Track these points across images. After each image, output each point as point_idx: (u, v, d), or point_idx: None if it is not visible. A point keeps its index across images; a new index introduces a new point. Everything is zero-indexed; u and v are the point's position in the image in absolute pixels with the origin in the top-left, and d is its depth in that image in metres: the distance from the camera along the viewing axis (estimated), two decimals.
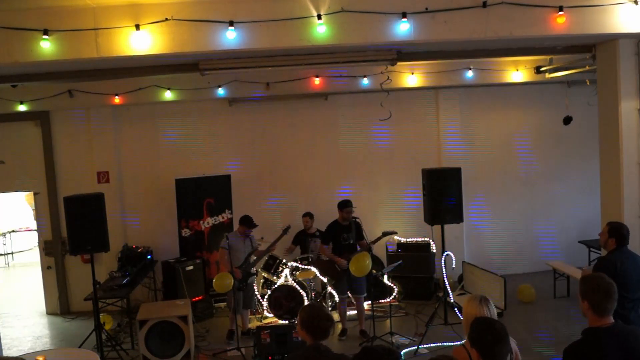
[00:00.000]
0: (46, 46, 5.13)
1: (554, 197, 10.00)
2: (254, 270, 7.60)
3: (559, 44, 6.42)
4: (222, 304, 8.82)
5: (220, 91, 8.61)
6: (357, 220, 7.35)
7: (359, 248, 7.35)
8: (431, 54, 6.62)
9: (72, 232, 6.58)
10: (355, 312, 7.87)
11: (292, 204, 9.41)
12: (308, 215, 8.86)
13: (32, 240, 14.34)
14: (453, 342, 6.65)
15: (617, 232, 4.62)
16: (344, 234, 7.32)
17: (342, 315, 7.55)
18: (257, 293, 8.48)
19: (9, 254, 14.45)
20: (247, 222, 7.47)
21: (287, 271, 8.21)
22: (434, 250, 8.84)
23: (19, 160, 9.04)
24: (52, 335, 8.27)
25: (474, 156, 9.72)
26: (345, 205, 7.30)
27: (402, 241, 9.05)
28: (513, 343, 3.14)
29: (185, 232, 8.81)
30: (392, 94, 8.27)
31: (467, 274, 8.83)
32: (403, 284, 8.63)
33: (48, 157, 9.08)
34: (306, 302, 7.85)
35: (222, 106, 9.37)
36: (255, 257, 7.59)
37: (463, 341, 3.46)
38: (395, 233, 7.44)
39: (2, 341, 7.14)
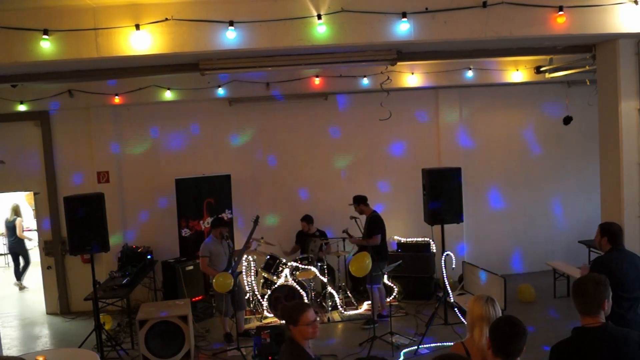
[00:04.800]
0: (46, 46, 5.13)
1: (554, 197, 10.00)
2: (238, 270, 7.55)
3: (559, 44, 6.42)
4: None
5: (220, 91, 8.61)
6: (357, 219, 7.39)
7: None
8: (431, 54, 6.63)
9: (72, 232, 6.58)
10: (355, 312, 8.00)
11: (292, 204, 9.41)
12: (305, 220, 8.83)
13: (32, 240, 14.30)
14: (453, 342, 6.64)
15: (607, 230, 4.62)
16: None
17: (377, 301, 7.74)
18: (257, 292, 8.50)
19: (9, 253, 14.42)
20: (220, 222, 7.47)
21: (287, 271, 8.21)
22: (434, 250, 8.85)
23: (19, 160, 9.04)
24: (52, 335, 8.27)
25: (474, 156, 9.72)
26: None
27: (402, 241, 9.06)
28: None
29: (185, 232, 8.81)
30: (392, 93, 8.27)
31: (467, 274, 8.83)
32: (403, 284, 8.63)
33: (48, 157, 9.07)
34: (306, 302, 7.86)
35: (222, 106, 9.38)
36: (237, 257, 7.54)
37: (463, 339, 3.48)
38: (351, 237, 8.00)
39: (2, 341, 7.14)
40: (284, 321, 3.57)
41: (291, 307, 3.65)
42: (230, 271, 7.10)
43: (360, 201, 7.84)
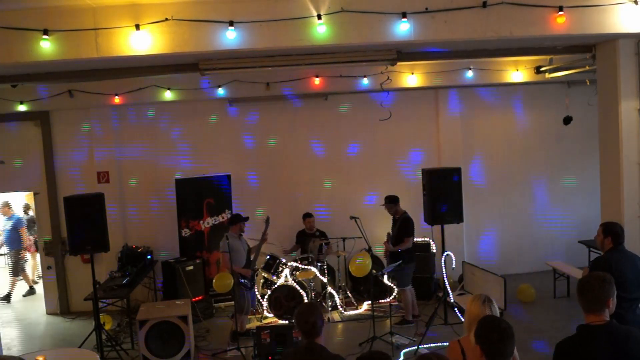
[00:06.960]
0: (46, 46, 5.13)
1: (554, 197, 10.00)
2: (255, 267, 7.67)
3: (559, 44, 6.42)
4: (222, 304, 8.83)
5: (220, 91, 8.61)
6: (357, 219, 7.38)
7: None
8: (431, 54, 6.62)
9: (72, 232, 6.58)
10: (354, 312, 7.96)
11: (292, 204, 9.41)
12: (309, 217, 8.86)
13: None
14: None
15: (611, 230, 4.63)
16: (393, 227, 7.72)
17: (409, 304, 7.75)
18: (257, 292, 8.50)
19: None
20: (239, 217, 7.53)
21: (287, 271, 8.20)
22: (434, 250, 8.85)
23: (19, 160, 9.04)
24: (52, 335, 8.27)
25: (474, 156, 9.72)
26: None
27: None
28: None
29: (185, 232, 8.81)
30: (392, 93, 8.26)
31: (467, 274, 8.83)
32: None
33: (48, 157, 9.07)
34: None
35: (222, 106, 9.38)
36: (253, 254, 7.63)
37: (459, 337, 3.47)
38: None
39: (2, 341, 7.14)
40: (306, 331, 3.30)
41: (314, 314, 3.37)
42: (249, 267, 7.30)
43: (397, 201, 7.77)
